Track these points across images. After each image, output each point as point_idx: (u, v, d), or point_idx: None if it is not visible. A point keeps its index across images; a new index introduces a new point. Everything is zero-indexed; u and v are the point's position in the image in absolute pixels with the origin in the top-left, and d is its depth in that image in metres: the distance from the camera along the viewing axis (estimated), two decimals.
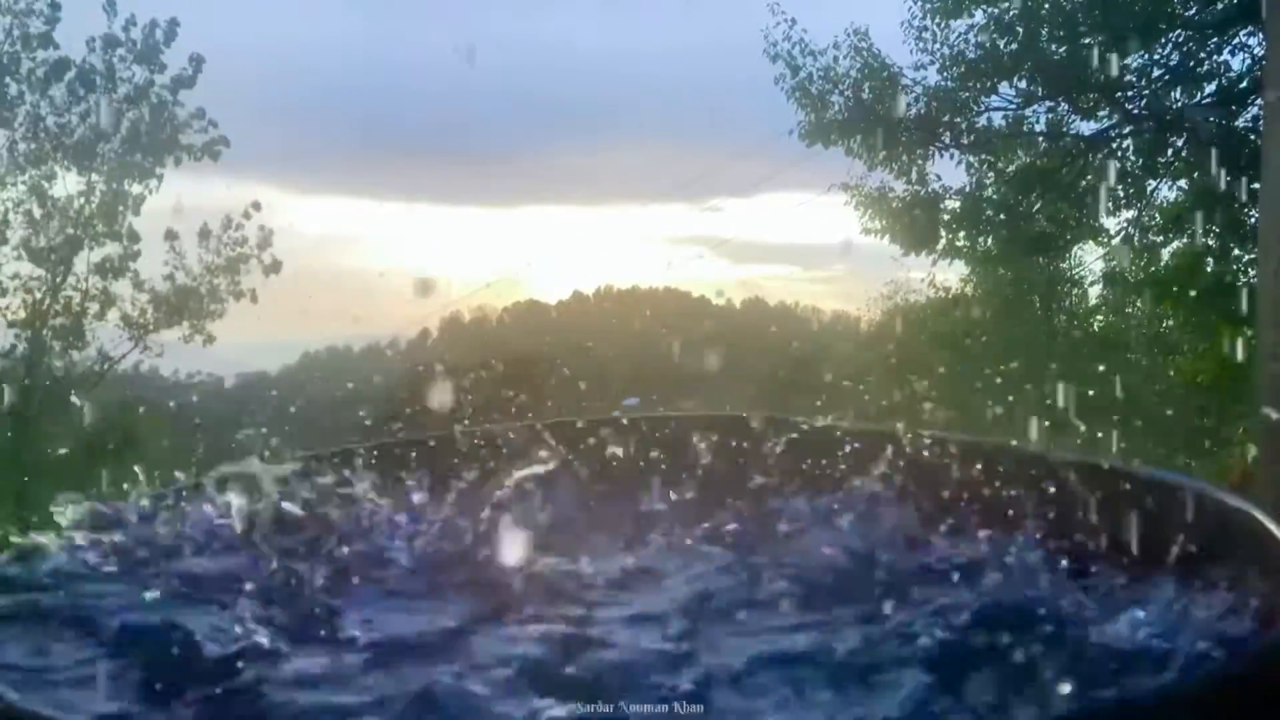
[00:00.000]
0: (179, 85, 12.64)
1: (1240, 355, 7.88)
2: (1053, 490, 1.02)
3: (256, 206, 13.64)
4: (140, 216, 12.83)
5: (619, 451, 1.39)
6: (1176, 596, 0.87)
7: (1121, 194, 11.00)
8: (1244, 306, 8.05)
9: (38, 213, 12.62)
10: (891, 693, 0.79)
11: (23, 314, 12.61)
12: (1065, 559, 0.94)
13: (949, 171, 10.76)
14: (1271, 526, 0.86)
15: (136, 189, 12.70)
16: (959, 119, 10.51)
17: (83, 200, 12.65)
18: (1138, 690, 0.76)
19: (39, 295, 12.71)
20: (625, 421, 1.49)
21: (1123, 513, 0.95)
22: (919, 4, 10.22)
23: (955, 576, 0.99)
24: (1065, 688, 0.75)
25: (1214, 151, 9.44)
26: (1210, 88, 9.88)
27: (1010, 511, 1.07)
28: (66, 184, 12.66)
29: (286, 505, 1.18)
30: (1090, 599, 0.89)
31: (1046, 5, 9.74)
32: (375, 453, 1.40)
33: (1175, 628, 0.83)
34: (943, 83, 10.32)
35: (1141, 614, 0.85)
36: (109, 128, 12.47)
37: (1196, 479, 1.00)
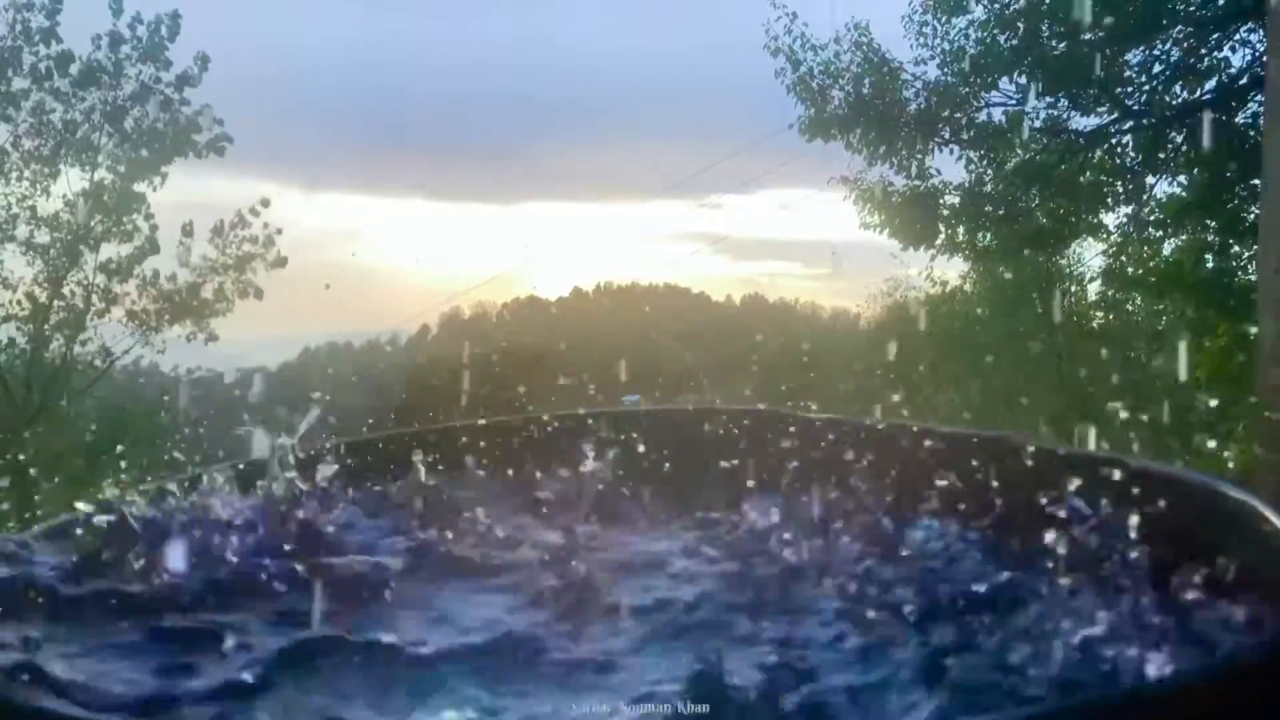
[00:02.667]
0: (183, 83, 12.63)
1: (1239, 351, 7.89)
2: (1055, 485, 1.01)
3: (265, 203, 13.64)
4: (145, 215, 12.84)
5: (620, 445, 1.39)
6: (1180, 589, 0.87)
7: (1120, 190, 11.00)
8: (1244, 302, 8.05)
9: (41, 209, 12.64)
10: (900, 682, 0.79)
11: (26, 310, 12.61)
12: (1066, 553, 0.94)
13: (949, 167, 10.76)
14: (1274, 518, 0.86)
15: (140, 186, 12.70)
16: (959, 114, 10.50)
17: (84, 198, 12.65)
18: (1141, 684, 0.75)
19: (41, 291, 12.72)
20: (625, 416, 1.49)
21: (1126, 507, 0.95)
22: None
23: (954, 570, 0.99)
24: (1067, 682, 0.75)
25: (1214, 147, 9.44)
26: (1210, 84, 9.88)
27: (1010, 505, 1.07)
28: (70, 181, 12.68)
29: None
30: (1093, 592, 0.89)
31: (1047, 1, 9.73)
32: (376, 446, 1.40)
33: (1179, 621, 0.83)
34: (943, 78, 10.32)
35: (1144, 607, 0.85)
36: (114, 124, 12.48)
37: (1198, 472, 1.00)
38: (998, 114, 10.60)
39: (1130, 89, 10.22)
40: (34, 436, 11.71)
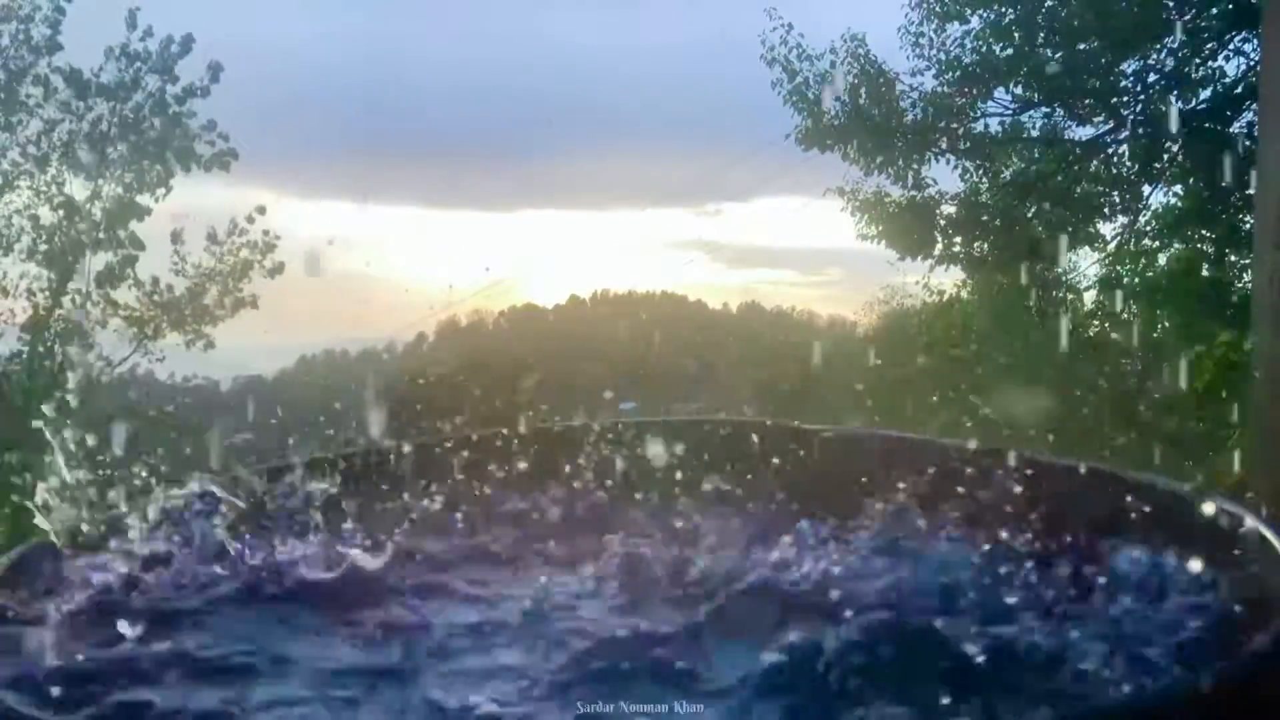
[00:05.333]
0: (189, 95, 12.64)
1: (1236, 361, 7.89)
2: (1050, 495, 1.02)
3: (261, 210, 13.64)
4: (144, 224, 12.86)
5: (618, 456, 1.39)
6: (1174, 600, 0.88)
7: (1117, 200, 11.03)
8: (1240, 312, 8.07)
9: (44, 219, 12.65)
10: (903, 688, 0.80)
11: (25, 317, 12.63)
12: (1063, 563, 0.95)
13: (945, 176, 10.79)
14: (1266, 531, 0.87)
15: (143, 199, 12.72)
16: (955, 124, 10.53)
17: (89, 207, 12.67)
18: (1137, 693, 0.76)
19: (42, 299, 12.73)
20: (624, 425, 1.49)
21: (1121, 518, 0.96)
22: (916, 10, 10.26)
23: (952, 580, 1.00)
24: (1065, 690, 0.76)
25: (1209, 157, 9.47)
26: (1206, 93, 9.92)
27: (1008, 516, 1.08)
28: (73, 190, 12.69)
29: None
30: (1088, 602, 0.89)
31: (1043, 11, 9.77)
32: (370, 457, 1.41)
33: (1173, 630, 0.83)
34: (939, 88, 10.35)
35: (1139, 617, 0.86)
36: (119, 137, 12.50)
37: (1193, 484, 1.00)
38: (994, 124, 10.65)
39: (1126, 99, 10.26)
40: (32, 445, 11.69)
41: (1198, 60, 9.90)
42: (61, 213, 12.66)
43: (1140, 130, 10.32)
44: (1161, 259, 11.42)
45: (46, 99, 12.25)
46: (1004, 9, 9.84)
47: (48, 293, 12.79)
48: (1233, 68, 9.72)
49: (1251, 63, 9.22)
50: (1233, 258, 10.15)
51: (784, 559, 1.08)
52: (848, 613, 0.91)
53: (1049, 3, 9.76)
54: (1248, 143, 8.76)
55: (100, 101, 12.42)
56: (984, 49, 9.99)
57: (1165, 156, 10.46)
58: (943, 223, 10.82)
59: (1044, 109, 10.40)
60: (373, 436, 1.43)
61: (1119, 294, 12.79)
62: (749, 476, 1.30)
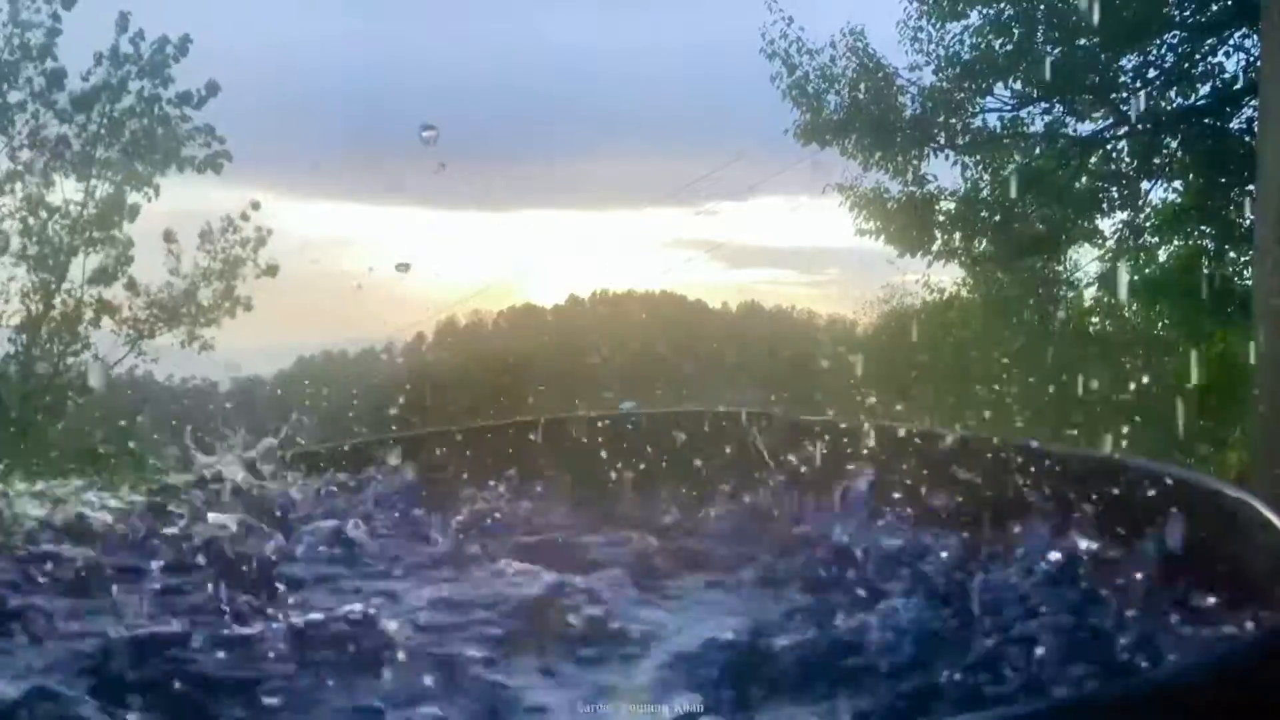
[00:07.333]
0: (184, 102, 12.62)
1: (1236, 356, 7.90)
2: (1053, 485, 1.01)
3: (255, 206, 13.61)
4: (135, 224, 12.84)
5: (617, 449, 1.39)
6: (1178, 588, 0.87)
7: (1116, 196, 11.02)
8: (1240, 308, 8.07)
9: (33, 221, 12.62)
10: (900, 675, 0.79)
11: (18, 319, 12.60)
12: (1065, 552, 0.94)
13: (944, 172, 10.78)
14: (1272, 517, 0.85)
15: (133, 199, 12.70)
16: (954, 120, 10.52)
17: (80, 208, 12.66)
18: (1138, 680, 0.75)
19: (35, 301, 12.71)
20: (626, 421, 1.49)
21: (1124, 505, 0.95)
22: (915, 5, 10.25)
23: (952, 569, 0.99)
24: (1063, 679, 0.75)
25: (1209, 153, 9.47)
26: (1205, 89, 9.91)
27: (1009, 506, 1.07)
28: (64, 191, 12.67)
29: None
30: (1091, 590, 0.88)
31: (1042, 7, 9.76)
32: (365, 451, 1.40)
33: (1177, 619, 0.82)
34: (938, 83, 10.33)
35: (1142, 605, 0.85)
36: (110, 139, 12.48)
37: (1197, 471, 0.99)
38: (993, 120, 10.64)
39: (1125, 94, 10.25)
40: (28, 448, 11.67)
41: (1197, 56, 9.89)
42: (46, 214, 12.64)
43: (1140, 126, 10.31)
44: (1161, 255, 11.41)
45: (47, 107, 12.25)
46: (1003, 4, 9.83)
47: (40, 295, 12.77)
48: (1233, 63, 9.73)
49: (1251, 58, 9.21)
50: (1233, 254, 10.14)
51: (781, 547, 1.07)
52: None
53: None
54: (1247, 138, 8.76)
55: (92, 103, 12.40)
56: (983, 45, 9.98)
57: (1165, 152, 10.45)
58: (942, 219, 10.80)
59: (1043, 104, 10.40)
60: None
61: (1118, 290, 12.80)
62: (745, 465, 1.29)
